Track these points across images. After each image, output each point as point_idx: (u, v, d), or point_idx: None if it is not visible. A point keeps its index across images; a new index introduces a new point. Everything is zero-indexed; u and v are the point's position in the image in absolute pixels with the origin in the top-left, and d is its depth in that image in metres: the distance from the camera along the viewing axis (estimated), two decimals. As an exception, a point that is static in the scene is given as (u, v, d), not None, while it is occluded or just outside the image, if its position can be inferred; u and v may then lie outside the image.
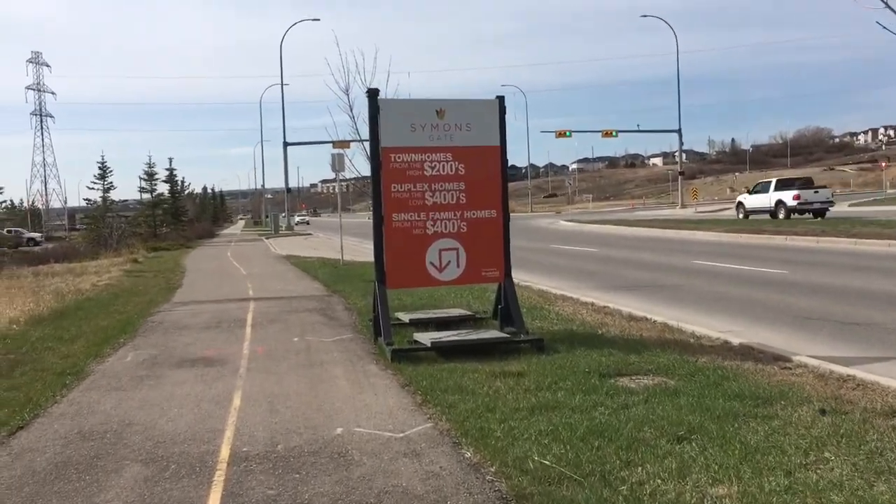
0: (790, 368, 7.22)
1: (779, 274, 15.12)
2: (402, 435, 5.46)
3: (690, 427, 5.31)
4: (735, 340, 8.59)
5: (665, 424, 5.38)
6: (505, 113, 9.27)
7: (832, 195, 34.88)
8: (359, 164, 19.40)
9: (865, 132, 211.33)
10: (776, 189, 34.07)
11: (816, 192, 33.67)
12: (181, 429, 5.80)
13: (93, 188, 42.19)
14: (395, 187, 8.85)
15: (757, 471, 4.50)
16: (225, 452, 5.19)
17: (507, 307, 9.26)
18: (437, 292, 12.82)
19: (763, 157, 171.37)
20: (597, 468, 4.61)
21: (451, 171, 9.01)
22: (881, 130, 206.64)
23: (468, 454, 5.02)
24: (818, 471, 4.50)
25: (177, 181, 57.50)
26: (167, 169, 55.51)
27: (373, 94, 8.96)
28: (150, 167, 43.92)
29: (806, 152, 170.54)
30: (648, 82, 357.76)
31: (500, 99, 9.28)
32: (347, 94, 16.28)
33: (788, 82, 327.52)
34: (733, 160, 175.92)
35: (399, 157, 8.87)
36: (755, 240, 24.58)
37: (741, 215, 36.52)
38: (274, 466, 4.89)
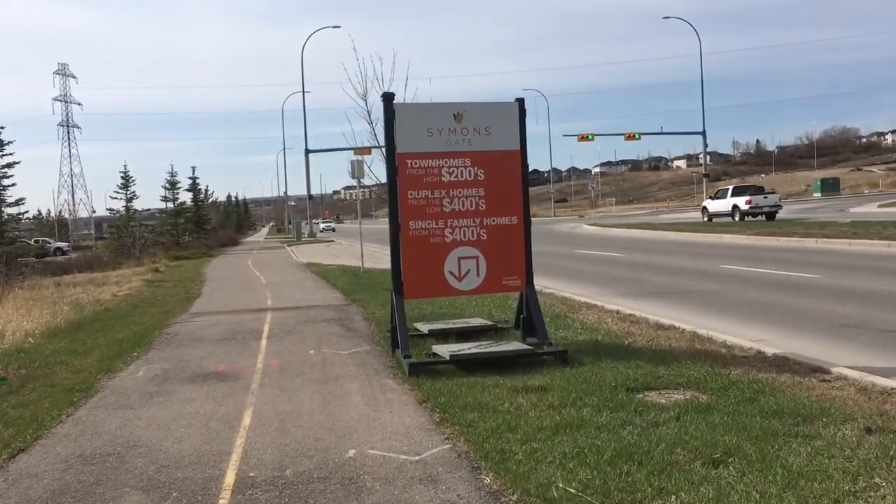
0: (829, 381, 6.81)
1: (811, 278, 14.63)
2: (417, 458, 5.15)
3: (727, 448, 4.95)
4: (769, 350, 8.20)
5: (699, 445, 5.02)
6: (525, 116, 8.96)
7: (780, 200, 39.17)
8: (378, 170, 19.12)
9: (893, 131, 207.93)
10: (732, 195, 38.94)
11: (766, 197, 37.92)
12: (186, 451, 5.53)
13: (116, 198, 42.42)
14: (412, 194, 8.56)
15: (802, 499, 4.13)
16: (230, 478, 4.90)
17: (530, 317, 8.93)
18: (458, 301, 12.51)
19: (788, 159, 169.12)
20: (626, 497, 4.26)
21: (470, 176, 8.70)
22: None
23: (487, 480, 4.69)
24: (869, 499, 4.13)
25: (200, 189, 57.78)
26: (190, 177, 55.81)
27: (388, 98, 8.68)
28: (172, 176, 44.09)
29: (832, 153, 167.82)
30: (672, 84, 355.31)
31: (520, 101, 8.96)
32: (365, 100, 16.07)
33: (814, 83, 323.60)
34: (758, 161, 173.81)
35: (416, 163, 8.58)
36: (785, 243, 24.00)
37: (706, 218, 40.39)
38: (280, 494, 4.60)
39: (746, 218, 36.88)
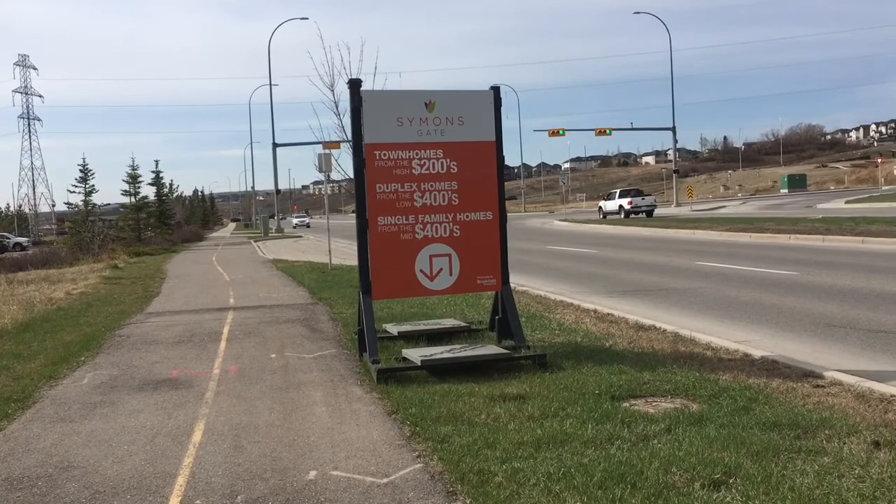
0: (824, 387, 6.41)
1: (790, 275, 14.34)
2: (385, 480, 4.61)
3: (727, 468, 4.49)
4: (756, 352, 7.79)
5: (696, 463, 4.56)
6: (500, 105, 8.45)
7: (654, 201, 48.91)
8: (347, 164, 18.40)
9: (857, 129, 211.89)
10: (619, 197, 48.04)
11: (643, 199, 47.32)
12: (127, 473, 4.93)
13: (74, 192, 41.18)
14: (380, 188, 8.02)
15: (818, 530, 3.68)
16: (173, 506, 4.33)
17: (506, 318, 8.45)
18: (429, 300, 12.00)
19: (755, 155, 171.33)
20: (622, 528, 3.78)
21: (443, 169, 8.18)
22: (872, 127, 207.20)
23: (465, 508, 4.18)
24: (891, 528, 3.69)
25: (163, 184, 56.45)
26: (153, 171, 54.45)
27: (354, 84, 8.11)
28: (133, 169, 42.68)
29: (798, 149, 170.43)
30: (641, 81, 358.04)
31: (495, 90, 8.45)
32: (332, 91, 15.41)
33: (779, 80, 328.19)
34: (726, 158, 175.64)
35: (384, 155, 8.03)
36: (757, 239, 23.84)
37: (601, 216, 48.09)
38: (229, 527, 4.04)
39: (630, 216, 44.78)
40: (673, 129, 63.29)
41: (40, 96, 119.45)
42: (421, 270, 8.15)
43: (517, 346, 8.03)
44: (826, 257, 17.35)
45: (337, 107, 15.45)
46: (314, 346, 9.36)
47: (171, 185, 74.64)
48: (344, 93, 16.28)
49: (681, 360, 7.55)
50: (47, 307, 14.86)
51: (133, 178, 42.49)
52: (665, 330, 9.26)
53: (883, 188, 71.67)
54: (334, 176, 19.03)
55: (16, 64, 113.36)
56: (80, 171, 39.25)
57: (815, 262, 16.28)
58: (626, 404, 6.06)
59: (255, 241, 45.26)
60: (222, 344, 9.69)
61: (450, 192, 8.21)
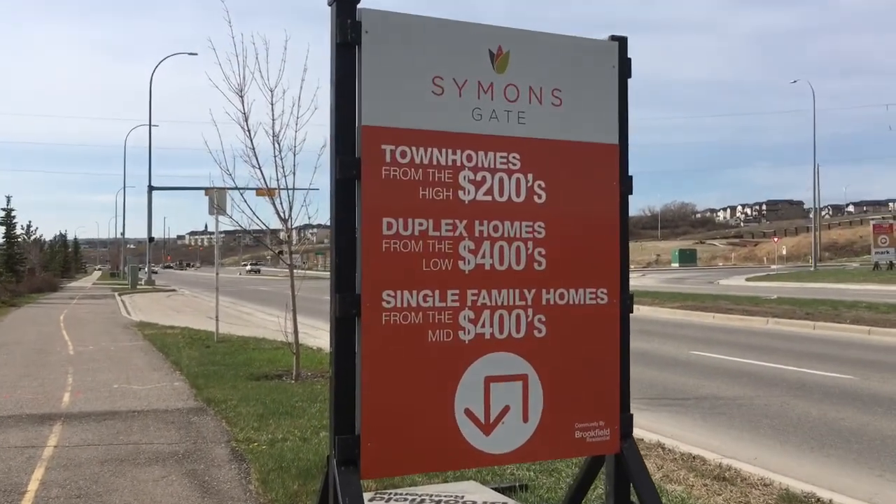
0: None
1: (850, 381, 10.73)
2: None
3: None
4: None
5: None
6: (628, 72, 4.24)
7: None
8: (244, 206, 12.86)
9: (724, 209, 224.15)
10: None
11: None
12: None
13: None
14: (390, 225, 3.58)
15: None
16: None
17: (628, 511, 4.08)
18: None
19: (633, 229, 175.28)
20: None
21: (518, 193, 3.86)
22: (738, 208, 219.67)
23: None
24: None
25: (15, 223, 48.86)
26: (3, 209, 47.07)
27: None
28: (-27, 204, 35.58)
29: (672, 225, 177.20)
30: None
31: (621, 42, 4.23)
32: (242, 99, 10.68)
33: (654, 159, 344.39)
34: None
35: (404, 154, 3.65)
36: (725, 321, 20.52)
37: None
38: None
39: None
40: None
41: None
42: (467, 410, 3.72)
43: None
44: (860, 354, 13.92)
45: (246, 120, 10.76)
46: (209, 546, 4.57)
47: (28, 227, 66.15)
48: (258, 101, 11.73)
49: None
50: None
51: (-29, 215, 35.40)
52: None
53: (773, 266, 72.29)
54: (233, 219, 13.87)
55: None
56: None
57: (865, 363, 12.76)
58: None
59: (120, 295, 38.80)
60: (11, 536, 4.74)
61: (531, 244, 3.87)
